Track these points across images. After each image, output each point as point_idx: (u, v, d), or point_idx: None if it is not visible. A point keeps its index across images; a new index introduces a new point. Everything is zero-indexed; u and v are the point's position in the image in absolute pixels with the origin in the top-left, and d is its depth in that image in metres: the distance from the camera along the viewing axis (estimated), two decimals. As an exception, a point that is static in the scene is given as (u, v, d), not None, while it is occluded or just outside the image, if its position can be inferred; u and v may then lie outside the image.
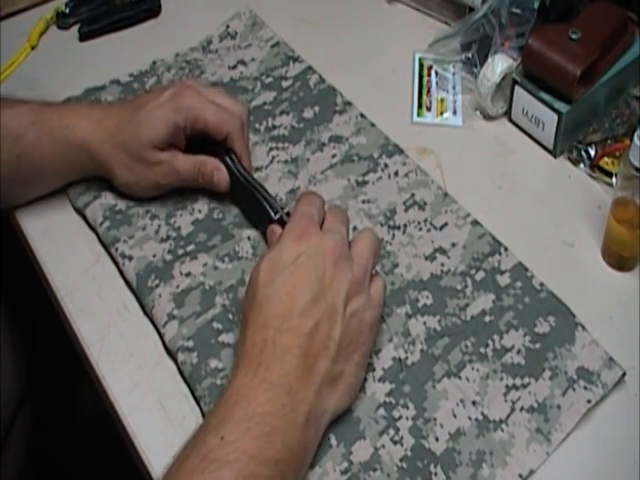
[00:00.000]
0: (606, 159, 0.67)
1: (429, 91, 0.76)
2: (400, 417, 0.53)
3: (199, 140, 0.63)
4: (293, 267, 0.50)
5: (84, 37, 0.82)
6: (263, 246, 0.63)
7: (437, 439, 0.52)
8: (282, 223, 0.58)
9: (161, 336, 0.58)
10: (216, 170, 0.63)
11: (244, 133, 0.64)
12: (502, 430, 0.52)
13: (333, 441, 0.52)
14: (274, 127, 0.72)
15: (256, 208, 0.62)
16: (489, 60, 0.70)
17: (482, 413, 0.53)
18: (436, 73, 0.77)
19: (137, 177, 0.63)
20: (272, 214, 0.60)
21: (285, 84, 0.75)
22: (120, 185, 0.64)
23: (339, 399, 0.51)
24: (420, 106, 0.74)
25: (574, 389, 0.54)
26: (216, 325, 0.58)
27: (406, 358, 0.56)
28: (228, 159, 0.64)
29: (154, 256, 0.62)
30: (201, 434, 0.45)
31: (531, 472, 0.51)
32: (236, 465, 0.43)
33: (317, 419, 0.49)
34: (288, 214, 0.59)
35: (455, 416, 0.53)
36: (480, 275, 0.60)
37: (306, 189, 0.64)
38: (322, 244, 0.51)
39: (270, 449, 0.45)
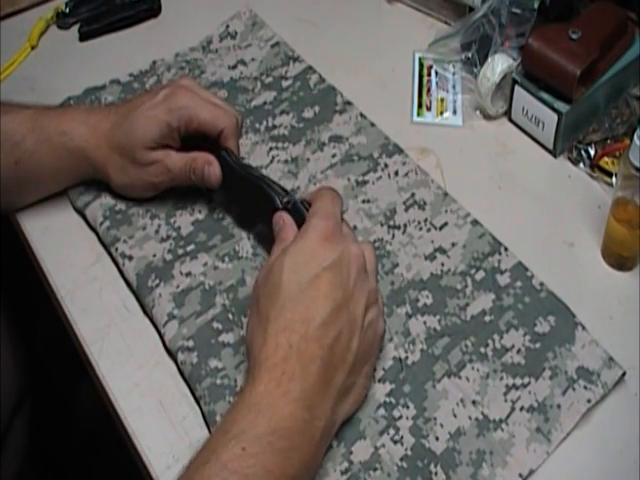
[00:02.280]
0: (606, 159, 0.67)
1: (429, 91, 0.76)
2: (400, 417, 0.53)
3: (195, 141, 0.63)
4: (320, 270, 0.49)
5: (84, 37, 0.82)
6: (263, 246, 0.62)
7: (437, 439, 0.52)
8: (288, 211, 0.56)
9: (161, 336, 0.58)
10: (207, 165, 0.61)
11: (238, 132, 0.63)
12: (502, 430, 0.52)
13: (333, 441, 0.51)
14: (274, 127, 0.72)
15: (259, 198, 0.59)
16: (489, 60, 0.70)
17: (482, 413, 0.53)
18: (436, 73, 0.77)
19: (131, 178, 0.63)
20: (277, 201, 0.57)
21: (285, 84, 0.75)
22: (116, 187, 0.64)
23: (347, 410, 0.51)
24: (420, 106, 0.74)
25: (574, 389, 0.54)
26: (216, 325, 0.58)
27: (406, 358, 0.56)
28: (224, 153, 0.62)
29: (154, 256, 0.62)
30: (221, 440, 0.45)
31: (531, 472, 0.51)
32: None
33: (329, 432, 0.49)
34: (295, 203, 0.56)
35: (455, 416, 0.53)
36: (480, 275, 0.60)
37: (325, 186, 0.58)
38: (348, 251, 0.51)
39: (288, 465, 0.45)
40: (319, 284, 0.49)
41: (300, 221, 0.54)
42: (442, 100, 0.75)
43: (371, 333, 0.51)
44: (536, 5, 0.71)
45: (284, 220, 0.55)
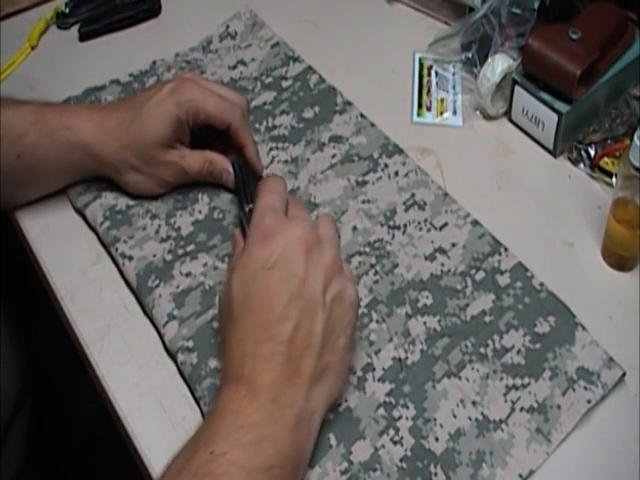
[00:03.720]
0: (606, 159, 0.66)
1: (429, 91, 0.76)
2: (400, 417, 0.53)
3: (204, 132, 0.64)
4: (264, 272, 0.48)
5: (84, 37, 0.82)
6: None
7: (437, 439, 0.52)
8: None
9: (161, 336, 0.58)
10: (225, 172, 0.64)
11: (246, 123, 0.64)
12: (502, 430, 0.52)
13: (333, 441, 0.52)
14: (274, 127, 0.72)
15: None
16: (489, 60, 0.70)
17: (482, 413, 0.53)
18: (436, 73, 0.77)
19: (146, 177, 0.63)
20: (242, 207, 0.60)
21: (285, 84, 0.75)
22: (127, 183, 0.64)
23: (330, 391, 0.50)
24: (420, 106, 0.74)
25: (574, 389, 0.54)
26: (216, 325, 0.58)
27: (406, 358, 0.56)
28: (235, 164, 0.64)
29: (154, 256, 0.62)
30: (191, 449, 0.45)
31: (531, 472, 0.51)
32: (226, 477, 0.43)
33: (309, 418, 0.48)
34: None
35: (455, 416, 0.53)
36: (480, 275, 0.60)
37: (264, 179, 0.59)
38: (290, 235, 0.49)
39: (261, 457, 0.44)
40: (266, 286, 0.48)
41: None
42: (442, 100, 0.75)
43: (337, 306, 0.49)
44: (536, 5, 0.71)
45: (238, 242, 0.55)
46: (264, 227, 0.50)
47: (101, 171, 0.64)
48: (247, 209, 0.59)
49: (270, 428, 0.45)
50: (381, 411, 0.53)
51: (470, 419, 0.53)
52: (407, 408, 0.53)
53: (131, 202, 0.65)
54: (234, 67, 0.77)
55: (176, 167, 0.63)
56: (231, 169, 0.64)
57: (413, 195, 0.66)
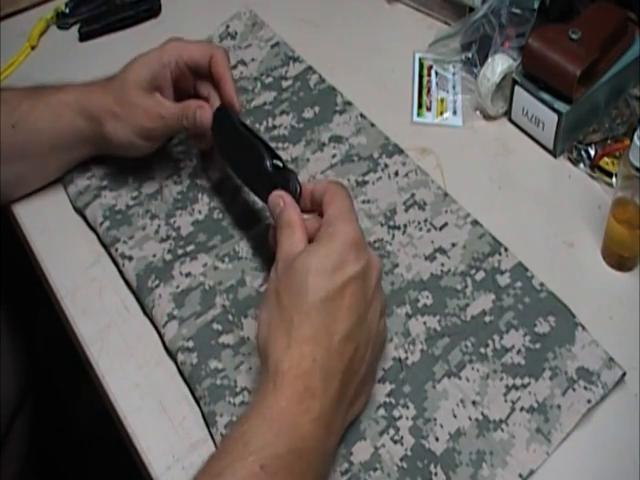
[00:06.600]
0: (606, 159, 0.66)
1: (429, 91, 0.76)
2: (400, 417, 0.53)
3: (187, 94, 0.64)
4: (347, 279, 0.47)
5: (84, 37, 0.82)
6: (263, 246, 0.62)
7: (437, 439, 0.52)
8: (276, 173, 0.56)
9: (161, 336, 0.58)
10: (199, 108, 0.62)
11: (227, 57, 0.64)
12: (502, 430, 0.52)
13: (333, 441, 0.52)
14: (274, 127, 0.72)
15: (250, 156, 0.58)
16: (489, 60, 0.70)
17: (482, 413, 0.53)
18: (436, 73, 0.77)
19: (124, 124, 0.62)
20: (266, 162, 0.56)
21: (285, 84, 0.75)
22: (109, 134, 0.63)
23: (352, 417, 0.51)
24: (420, 106, 0.74)
25: (574, 389, 0.54)
26: (216, 326, 0.58)
27: (406, 358, 0.56)
28: (223, 108, 0.62)
29: (154, 256, 0.62)
30: (240, 454, 0.43)
31: (531, 472, 0.51)
32: None
33: (337, 445, 0.49)
34: (284, 166, 0.56)
35: (455, 416, 0.53)
36: (480, 275, 0.60)
37: (335, 182, 0.54)
38: (371, 261, 0.49)
39: None
40: (344, 294, 0.47)
41: (283, 188, 0.54)
42: (442, 100, 0.75)
43: (380, 341, 0.51)
44: (536, 5, 0.71)
45: (285, 201, 0.52)
46: (355, 236, 0.49)
47: (88, 129, 0.63)
48: (268, 164, 0.56)
49: (316, 456, 0.45)
50: (381, 411, 0.53)
51: (470, 419, 0.53)
52: (407, 408, 0.53)
53: (131, 202, 0.66)
54: (234, 67, 0.77)
55: (153, 112, 0.62)
56: (205, 105, 0.62)
57: (413, 195, 0.66)
